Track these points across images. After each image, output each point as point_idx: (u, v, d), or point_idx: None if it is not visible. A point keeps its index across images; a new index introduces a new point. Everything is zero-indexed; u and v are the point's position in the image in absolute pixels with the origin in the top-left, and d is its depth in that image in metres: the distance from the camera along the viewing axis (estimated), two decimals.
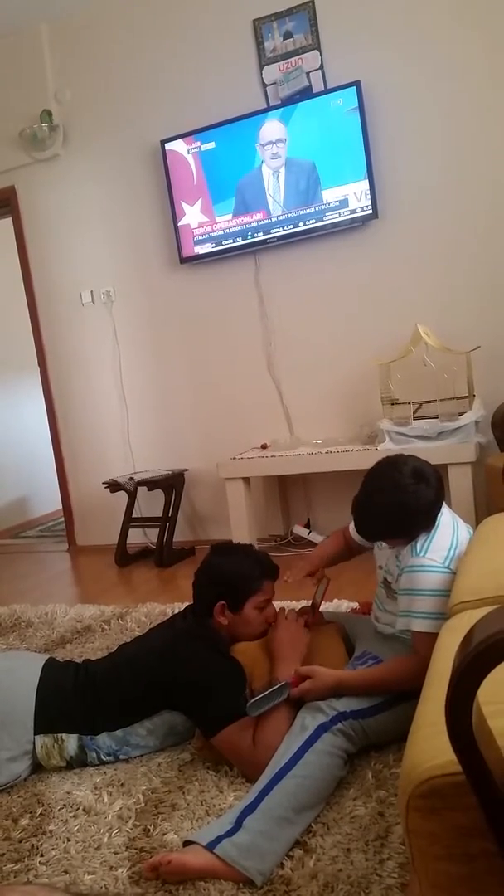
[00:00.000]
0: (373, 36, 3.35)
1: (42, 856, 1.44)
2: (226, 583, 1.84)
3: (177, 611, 2.37)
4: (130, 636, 2.49)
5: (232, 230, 3.69)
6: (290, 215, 3.56)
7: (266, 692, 1.56)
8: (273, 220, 3.59)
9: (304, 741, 1.47)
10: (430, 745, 0.88)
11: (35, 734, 1.72)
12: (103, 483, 3.93)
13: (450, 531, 1.67)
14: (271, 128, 3.54)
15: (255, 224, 3.63)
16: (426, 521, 1.64)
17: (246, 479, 3.56)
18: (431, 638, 1.49)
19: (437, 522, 1.67)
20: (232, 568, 1.86)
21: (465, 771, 0.75)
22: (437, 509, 1.66)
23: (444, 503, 1.73)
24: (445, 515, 1.71)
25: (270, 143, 3.54)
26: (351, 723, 1.52)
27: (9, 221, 4.33)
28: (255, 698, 1.55)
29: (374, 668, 1.65)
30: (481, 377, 3.23)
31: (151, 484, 3.79)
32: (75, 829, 1.51)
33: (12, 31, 4.00)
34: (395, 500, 1.61)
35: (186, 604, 2.01)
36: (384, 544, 1.79)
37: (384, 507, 1.63)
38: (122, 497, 3.94)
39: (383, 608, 1.81)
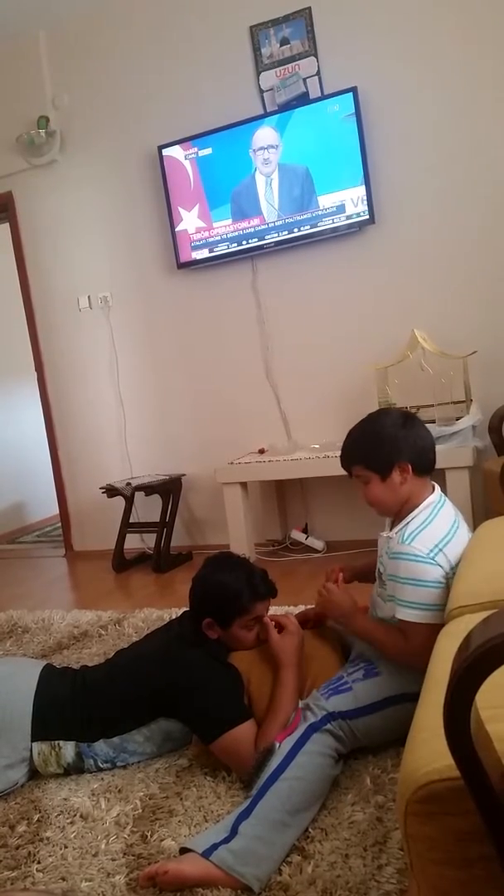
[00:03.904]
0: (369, 42, 3.37)
1: (39, 863, 1.43)
2: (213, 602, 1.80)
3: (174, 616, 2.36)
4: (128, 642, 2.49)
5: (229, 236, 3.69)
6: (286, 221, 3.57)
7: (257, 763, 1.50)
8: (269, 225, 3.60)
9: (294, 743, 1.47)
10: (428, 749, 0.88)
11: (32, 741, 1.71)
12: (100, 488, 3.92)
13: (446, 526, 1.67)
14: (263, 133, 3.55)
15: (251, 230, 3.64)
16: (388, 453, 1.67)
17: (243, 484, 3.56)
18: (418, 627, 1.55)
19: (432, 514, 1.67)
20: (221, 587, 1.80)
21: (463, 776, 0.74)
22: (404, 450, 1.68)
23: (448, 500, 1.74)
24: (446, 509, 1.71)
25: (262, 148, 3.56)
26: (340, 723, 1.52)
27: (6, 227, 4.34)
28: (250, 770, 1.50)
29: (381, 626, 1.67)
30: (478, 381, 3.24)
31: (149, 489, 3.79)
32: (72, 835, 1.51)
33: (10, 37, 4.01)
34: (367, 426, 1.77)
35: (184, 609, 2.00)
36: (385, 533, 1.77)
37: (358, 429, 1.78)
38: (120, 502, 3.94)
39: (375, 613, 1.81)
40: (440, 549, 1.61)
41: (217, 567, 1.87)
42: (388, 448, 1.68)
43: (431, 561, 1.59)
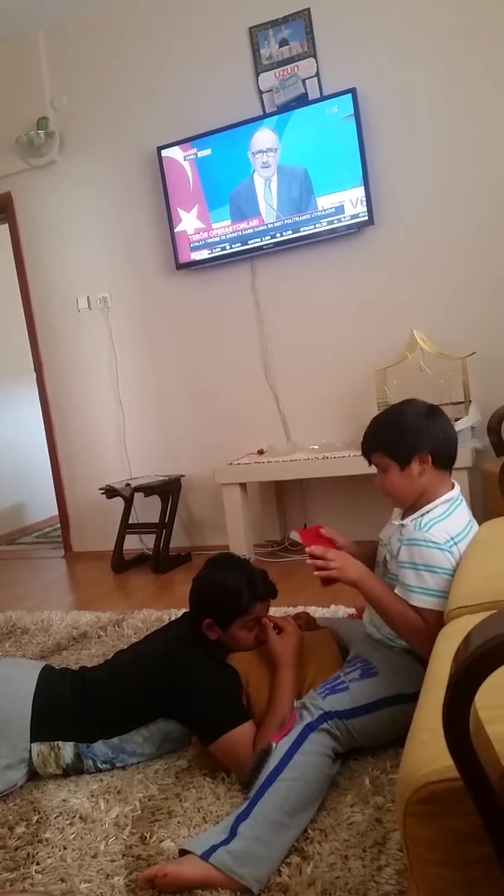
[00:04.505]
0: (368, 43, 3.37)
1: (38, 864, 1.43)
2: (213, 603, 1.81)
3: (173, 617, 2.36)
4: (127, 643, 2.48)
5: (228, 236, 3.69)
6: (285, 222, 3.57)
7: (254, 763, 1.50)
8: (268, 226, 3.60)
9: (291, 743, 1.47)
10: (427, 750, 0.88)
11: (31, 742, 1.71)
12: (100, 489, 3.92)
13: (462, 523, 1.69)
14: (262, 136, 3.55)
15: (250, 230, 3.64)
16: (409, 443, 1.68)
17: (243, 485, 3.55)
18: (434, 614, 1.53)
19: (450, 508, 1.69)
20: (221, 588, 1.80)
21: (462, 776, 0.74)
22: (425, 440, 1.68)
23: (465, 501, 1.75)
24: (463, 507, 1.73)
25: (261, 151, 3.56)
26: (336, 723, 1.52)
27: (5, 228, 4.34)
28: (248, 772, 1.50)
29: (393, 596, 1.62)
30: (477, 382, 3.24)
31: (148, 490, 3.79)
32: (72, 836, 1.51)
33: (9, 37, 4.01)
34: (392, 414, 1.78)
35: (183, 610, 2.00)
36: (396, 521, 1.77)
37: (383, 416, 1.80)
38: (119, 503, 3.93)
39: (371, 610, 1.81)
40: (455, 543, 1.62)
41: (217, 568, 1.88)
42: (409, 437, 1.69)
43: (447, 550, 1.60)
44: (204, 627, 1.80)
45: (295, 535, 3.65)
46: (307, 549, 1.64)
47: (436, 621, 1.53)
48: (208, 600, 1.82)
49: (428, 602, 1.56)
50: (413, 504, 1.72)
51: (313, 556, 1.61)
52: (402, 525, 1.70)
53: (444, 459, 1.72)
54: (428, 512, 1.67)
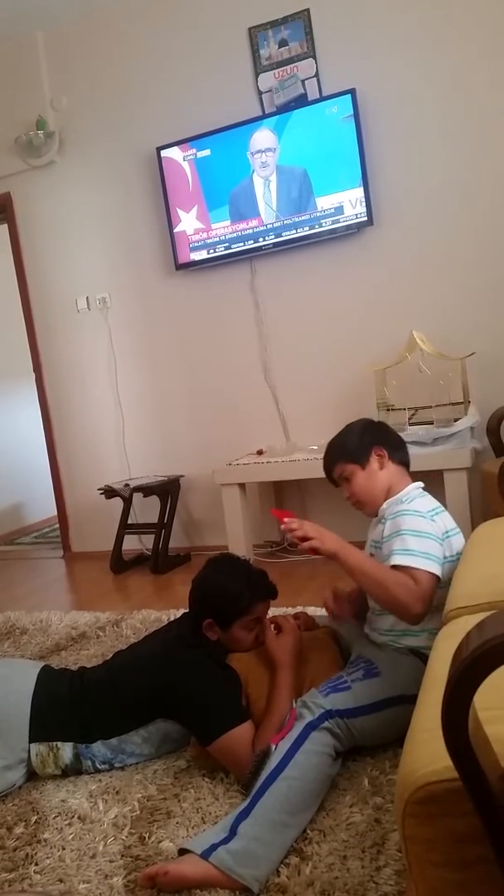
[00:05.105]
0: (368, 44, 3.37)
1: (37, 864, 1.43)
2: (213, 603, 1.81)
3: (172, 618, 2.36)
4: (126, 643, 2.48)
5: (227, 237, 3.69)
6: (285, 222, 3.57)
7: (253, 766, 1.49)
8: (268, 226, 3.60)
9: (292, 742, 1.47)
10: (426, 750, 0.88)
11: (30, 742, 1.71)
12: (99, 489, 3.92)
13: (434, 503, 1.80)
14: (261, 136, 3.55)
15: (250, 231, 3.64)
16: (362, 441, 1.84)
17: (242, 486, 3.55)
18: (422, 573, 1.59)
19: (422, 493, 1.82)
20: (221, 588, 1.81)
21: (461, 777, 0.74)
22: (376, 438, 1.85)
23: (429, 495, 1.84)
24: (430, 497, 1.83)
25: (259, 151, 3.56)
26: (337, 721, 1.52)
27: (4, 228, 4.34)
28: (247, 775, 1.50)
29: (373, 562, 1.66)
30: (476, 383, 3.24)
31: (147, 490, 3.79)
32: (70, 837, 1.50)
33: (8, 37, 4.01)
34: (341, 431, 1.94)
35: (182, 611, 2.00)
36: (375, 520, 1.86)
37: (334, 437, 1.94)
38: (118, 503, 3.93)
39: (372, 612, 1.81)
40: (433, 515, 1.73)
41: (217, 568, 1.88)
42: (360, 438, 1.85)
43: (430, 518, 1.70)
44: (204, 628, 1.80)
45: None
46: (282, 525, 1.65)
47: (426, 581, 1.59)
48: (208, 601, 1.82)
49: (413, 561, 1.60)
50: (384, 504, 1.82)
51: (290, 530, 1.63)
52: (382, 516, 1.80)
53: (400, 456, 1.85)
54: (403, 496, 1.80)
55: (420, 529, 1.66)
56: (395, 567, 1.61)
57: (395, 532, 1.67)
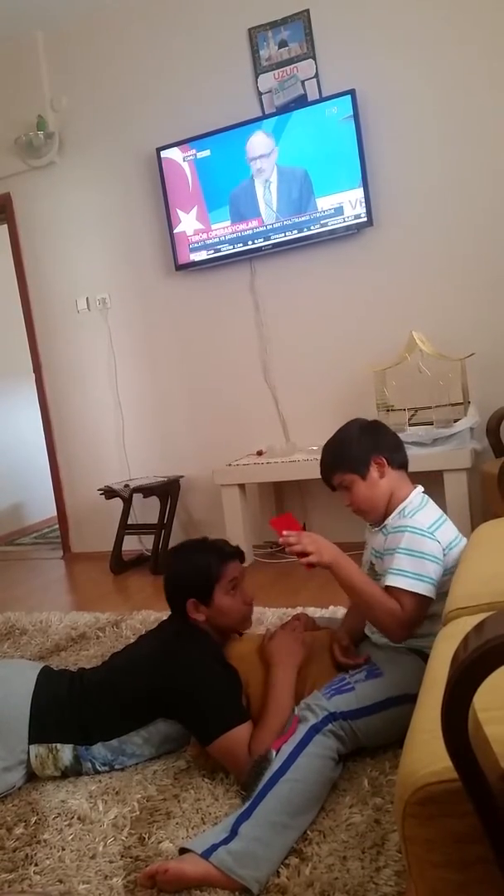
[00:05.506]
0: (368, 44, 3.37)
1: (36, 865, 1.43)
2: (187, 583, 1.83)
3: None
4: (125, 644, 2.47)
5: (227, 237, 3.70)
6: (285, 223, 3.57)
7: (254, 769, 1.49)
8: (268, 227, 3.60)
9: (295, 745, 1.47)
10: (426, 751, 0.88)
11: (29, 744, 1.71)
12: (98, 490, 3.92)
13: (437, 513, 1.78)
14: (255, 142, 3.55)
15: (250, 231, 3.64)
16: (361, 450, 1.78)
17: (242, 486, 3.55)
18: (409, 596, 1.59)
19: (423, 501, 1.79)
20: (188, 566, 1.86)
21: (461, 778, 0.74)
22: (375, 445, 1.80)
23: (431, 500, 1.82)
24: (433, 503, 1.81)
25: (254, 158, 3.57)
26: (341, 724, 1.52)
27: (4, 229, 4.34)
28: (246, 778, 1.51)
29: (366, 578, 1.68)
30: (476, 384, 3.24)
31: (147, 490, 3.79)
32: (70, 837, 1.50)
33: (8, 38, 4.01)
34: (336, 435, 1.87)
35: None
36: (374, 528, 1.84)
37: (329, 442, 1.88)
38: (118, 504, 3.93)
39: None
40: (436, 528, 1.71)
41: (176, 555, 1.97)
42: (359, 446, 1.79)
43: (430, 535, 1.68)
44: (189, 611, 1.81)
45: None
46: (280, 539, 1.65)
47: (411, 605, 1.59)
48: (182, 585, 1.84)
49: (402, 583, 1.60)
50: (385, 512, 1.79)
51: (288, 544, 1.63)
52: (384, 526, 1.77)
53: (399, 459, 1.82)
54: (407, 505, 1.76)
55: (416, 549, 1.64)
56: (386, 588, 1.62)
57: (393, 549, 1.66)
